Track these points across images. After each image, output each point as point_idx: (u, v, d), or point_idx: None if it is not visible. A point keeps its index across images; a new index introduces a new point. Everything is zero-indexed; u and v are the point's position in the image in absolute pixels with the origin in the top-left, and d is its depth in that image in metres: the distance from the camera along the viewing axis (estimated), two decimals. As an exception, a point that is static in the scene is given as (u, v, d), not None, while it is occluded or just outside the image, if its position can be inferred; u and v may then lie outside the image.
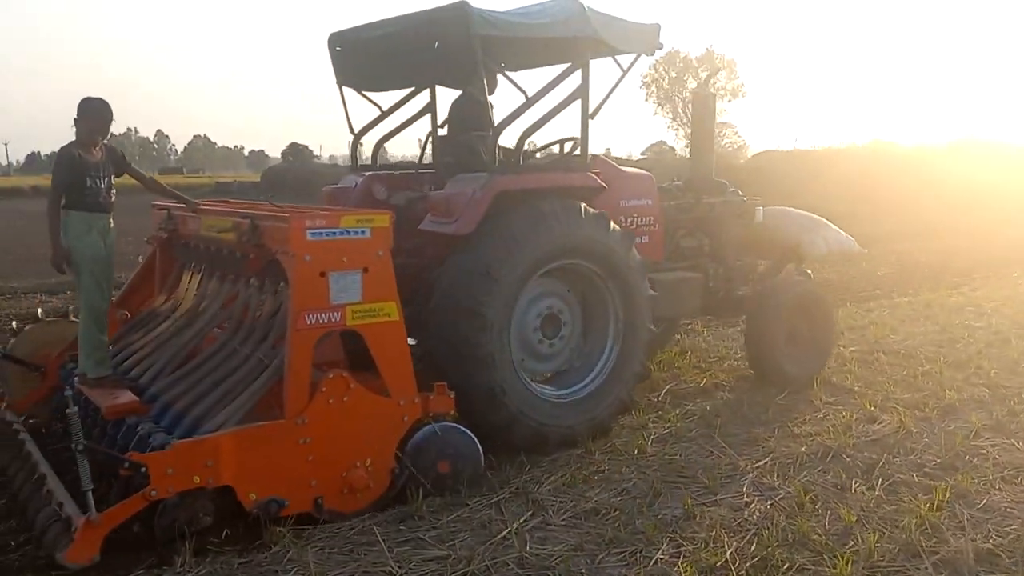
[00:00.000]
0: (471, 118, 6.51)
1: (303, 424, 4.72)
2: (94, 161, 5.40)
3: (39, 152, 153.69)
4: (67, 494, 4.66)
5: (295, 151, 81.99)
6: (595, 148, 7.46)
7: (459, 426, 5.26)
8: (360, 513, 4.89)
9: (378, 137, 7.37)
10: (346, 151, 8.05)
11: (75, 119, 5.41)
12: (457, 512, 4.91)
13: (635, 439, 6.00)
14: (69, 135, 5.48)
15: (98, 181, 5.40)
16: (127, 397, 5.20)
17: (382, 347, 5.02)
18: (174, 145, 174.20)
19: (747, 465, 5.58)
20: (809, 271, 8.08)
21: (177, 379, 5.27)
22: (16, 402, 6.31)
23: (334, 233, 4.83)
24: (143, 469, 4.29)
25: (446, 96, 7.34)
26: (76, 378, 5.68)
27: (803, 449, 5.83)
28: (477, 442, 5.26)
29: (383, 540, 4.55)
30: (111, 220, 5.56)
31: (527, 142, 6.10)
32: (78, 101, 5.38)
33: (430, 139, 6.83)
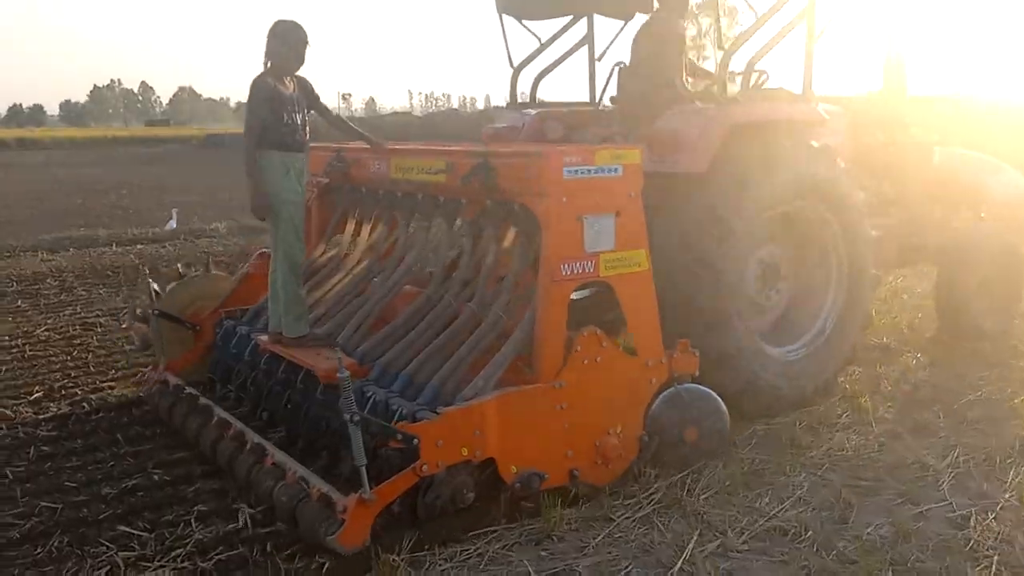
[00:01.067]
0: (662, 48, 5.89)
1: (560, 388, 4.21)
2: (288, 94, 4.79)
3: (21, 104, 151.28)
4: (305, 468, 4.15)
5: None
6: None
7: (703, 387, 4.74)
8: (610, 485, 4.41)
9: (535, 72, 6.74)
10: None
11: (266, 47, 4.78)
12: (604, 529, 4.07)
13: (777, 426, 5.21)
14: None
15: (295, 116, 4.79)
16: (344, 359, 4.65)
17: (633, 301, 4.50)
18: (159, 97, 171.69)
19: (935, 462, 4.75)
20: (983, 215, 7.56)
21: (389, 338, 4.72)
22: (172, 363, 5.77)
23: (589, 171, 4.27)
24: (415, 441, 3.78)
25: (606, 27, 6.75)
26: (263, 337, 5.13)
27: (993, 441, 5.00)
28: (724, 405, 4.75)
29: (532, 570, 3.75)
30: (307, 160, 4.96)
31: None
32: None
33: (614, 71, 6.20)
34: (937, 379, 6.13)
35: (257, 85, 4.69)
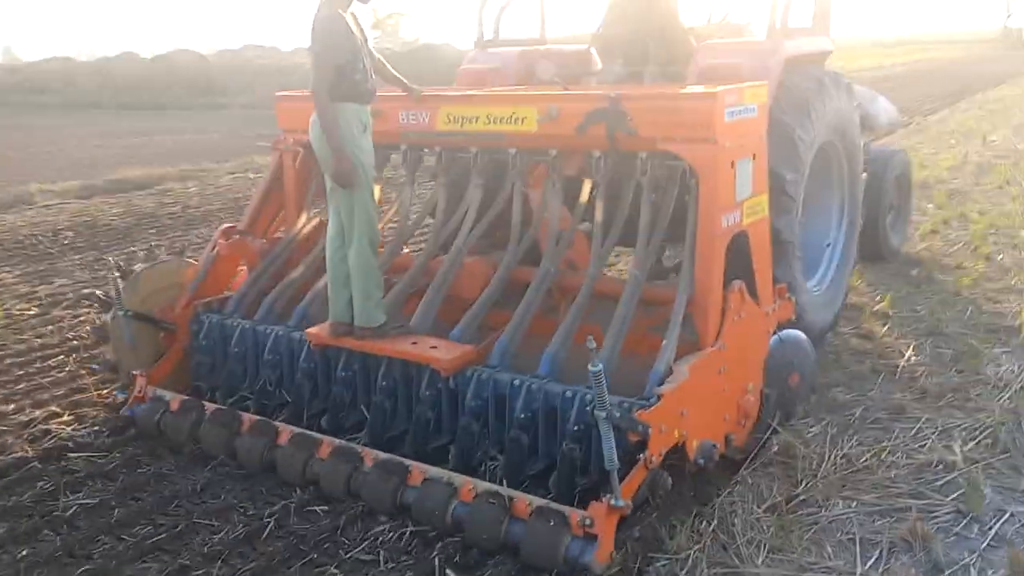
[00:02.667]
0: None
1: (722, 350, 3.86)
2: (358, 32, 3.88)
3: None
4: (476, 479, 3.49)
5: None
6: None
7: (796, 330, 4.60)
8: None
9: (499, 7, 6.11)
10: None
11: None
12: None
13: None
14: None
15: (365, 60, 3.89)
16: (455, 346, 3.93)
17: (760, 248, 4.23)
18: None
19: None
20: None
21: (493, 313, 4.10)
22: (153, 373, 4.64)
23: (740, 112, 3.90)
24: (648, 431, 3.28)
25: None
26: (313, 330, 4.23)
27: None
28: (812, 346, 4.64)
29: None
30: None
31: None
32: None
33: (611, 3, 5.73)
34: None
35: (334, 20, 3.74)
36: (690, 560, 3.26)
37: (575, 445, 3.49)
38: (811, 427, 4.37)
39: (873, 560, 3.31)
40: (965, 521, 3.54)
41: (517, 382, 3.69)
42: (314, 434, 3.95)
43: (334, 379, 4.23)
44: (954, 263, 7.15)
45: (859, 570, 3.25)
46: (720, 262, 3.87)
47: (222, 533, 3.54)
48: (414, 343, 3.99)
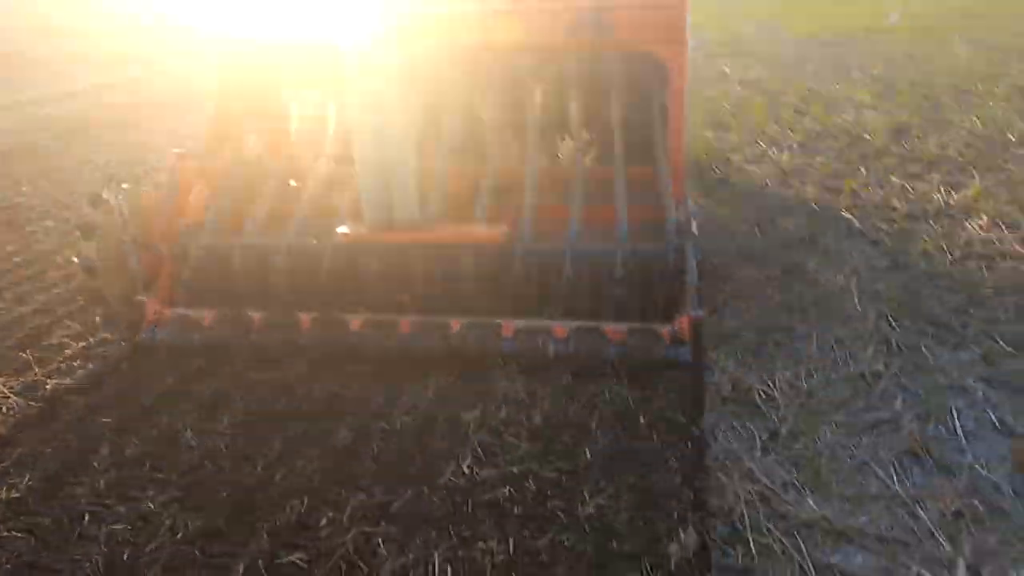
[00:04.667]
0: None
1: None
2: None
3: None
4: (562, 322, 4.23)
5: None
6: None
7: None
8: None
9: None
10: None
11: None
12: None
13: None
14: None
15: None
16: (492, 227, 4.55)
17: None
18: None
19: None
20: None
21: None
22: (162, 295, 4.66)
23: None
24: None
25: None
26: (342, 229, 4.58)
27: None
28: None
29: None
30: None
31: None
32: None
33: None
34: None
35: None
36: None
37: (621, 291, 4.35)
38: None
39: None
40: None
41: (561, 247, 4.45)
42: (387, 315, 4.39)
43: (369, 275, 4.62)
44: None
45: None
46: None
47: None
48: (451, 230, 4.55)
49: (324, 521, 3.09)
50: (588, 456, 3.41)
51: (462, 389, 3.97)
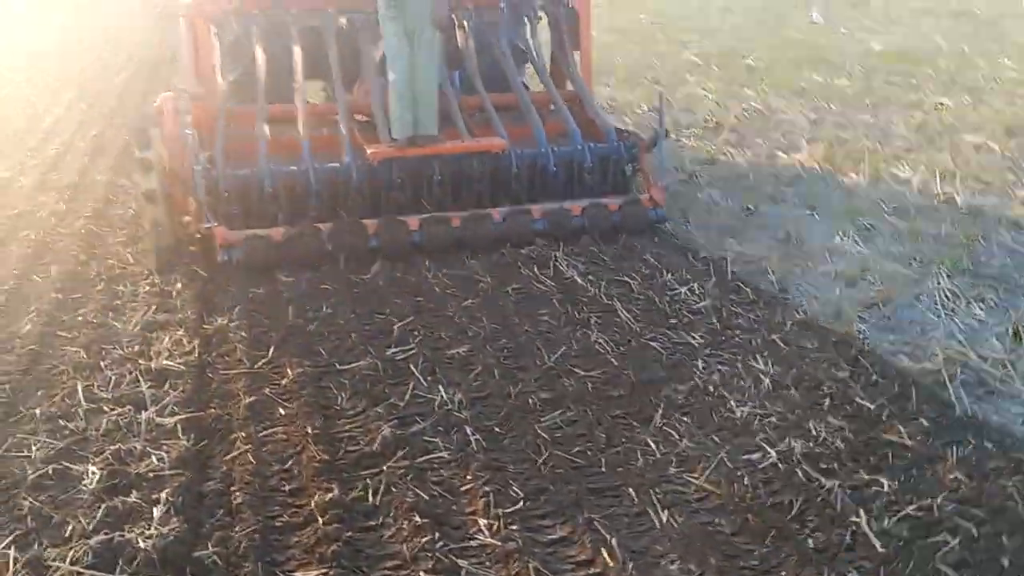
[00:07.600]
0: None
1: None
2: None
3: None
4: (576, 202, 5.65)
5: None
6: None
7: None
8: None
9: None
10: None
11: None
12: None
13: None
14: None
15: None
16: (492, 137, 5.72)
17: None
18: None
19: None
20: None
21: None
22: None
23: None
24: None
25: None
26: (373, 149, 5.43)
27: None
28: None
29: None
30: None
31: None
32: None
33: None
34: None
35: None
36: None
37: (592, 174, 5.82)
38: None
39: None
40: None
41: (545, 149, 5.77)
42: (441, 214, 5.40)
43: (392, 187, 5.47)
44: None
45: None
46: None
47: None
48: (462, 141, 5.64)
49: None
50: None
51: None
